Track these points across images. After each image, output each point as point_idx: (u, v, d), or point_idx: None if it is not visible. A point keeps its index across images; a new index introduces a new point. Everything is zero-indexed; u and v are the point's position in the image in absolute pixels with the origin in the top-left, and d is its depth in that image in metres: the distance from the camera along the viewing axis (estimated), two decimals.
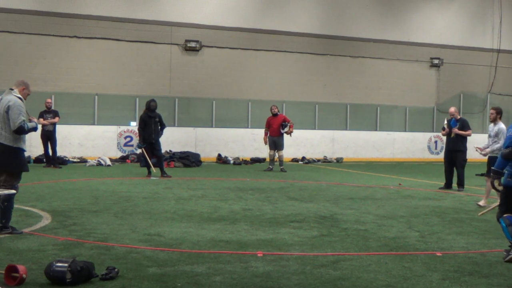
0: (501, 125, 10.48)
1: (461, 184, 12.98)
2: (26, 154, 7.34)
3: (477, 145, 11.68)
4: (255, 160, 20.88)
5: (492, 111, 10.72)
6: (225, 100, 22.15)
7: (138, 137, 15.60)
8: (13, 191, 6.72)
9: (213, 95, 21.96)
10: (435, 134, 24.08)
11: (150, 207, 9.22)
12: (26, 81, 7.28)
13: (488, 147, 10.62)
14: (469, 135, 13.24)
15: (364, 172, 17.55)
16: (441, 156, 23.44)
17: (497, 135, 10.39)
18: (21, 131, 6.95)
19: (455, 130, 12.76)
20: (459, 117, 13.34)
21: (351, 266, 5.73)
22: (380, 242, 6.94)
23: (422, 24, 25.18)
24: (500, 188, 6.41)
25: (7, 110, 6.89)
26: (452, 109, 13.48)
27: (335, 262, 5.88)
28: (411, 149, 24.03)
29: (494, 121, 10.62)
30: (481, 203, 10.27)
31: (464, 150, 13.08)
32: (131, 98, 20.85)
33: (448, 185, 13.11)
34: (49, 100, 17.21)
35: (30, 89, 7.24)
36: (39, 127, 16.58)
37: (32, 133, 16.41)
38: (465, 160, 13.13)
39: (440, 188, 13.07)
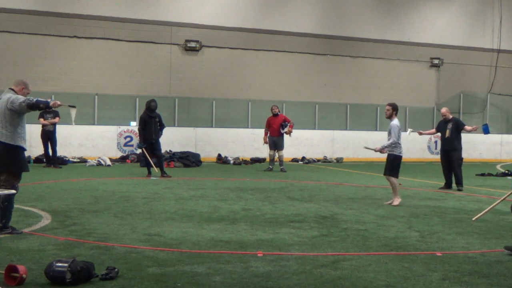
0: (394, 122, 10.12)
1: (459, 183, 12.99)
2: (26, 154, 7.31)
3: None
4: (255, 160, 20.88)
5: (388, 107, 10.24)
6: (225, 100, 22.15)
7: (138, 137, 15.61)
8: (13, 191, 6.72)
9: (213, 95, 21.96)
10: (435, 134, 24.06)
11: (150, 207, 9.22)
12: (25, 81, 7.27)
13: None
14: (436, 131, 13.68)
15: (364, 172, 17.54)
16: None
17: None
18: (31, 105, 6.83)
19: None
20: (451, 117, 13.36)
21: (351, 266, 5.73)
22: (380, 242, 6.94)
23: (422, 24, 25.18)
24: None
25: (10, 106, 6.87)
26: (444, 110, 13.53)
27: (335, 262, 5.88)
28: (411, 149, 23.94)
29: (390, 117, 10.17)
30: (395, 202, 10.04)
31: (459, 149, 13.13)
32: (131, 98, 20.85)
33: (448, 185, 13.12)
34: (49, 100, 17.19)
35: (29, 88, 7.22)
36: (39, 129, 16.75)
37: (32, 133, 16.61)
38: (461, 158, 13.17)
39: (440, 188, 13.07)
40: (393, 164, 10.22)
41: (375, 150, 10.44)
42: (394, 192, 10.22)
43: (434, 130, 13.93)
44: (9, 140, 6.92)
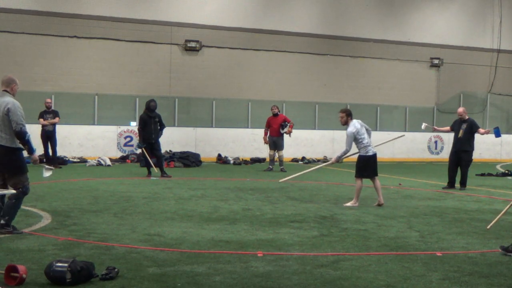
0: (349, 128, 9.95)
1: (463, 183, 13.01)
2: (26, 154, 7.31)
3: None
4: (255, 160, 20.88)
5: (341, 114, 10.07)
6: (225, 100, 22.15)
7: (138, 137, 15.61)
8: (13, 191, 6.75)
9: (213, 95, 21.96)
10: (435, 134, 24.07)
11: (150, 207, 9.22)
12: (13, 76, 7.21)
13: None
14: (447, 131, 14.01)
15: None
16: (441, 156, 23.59)
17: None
18: (22, 135, 6.87)
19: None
20: (467, 117, 13.36)
21: (351, 266, 5.73)
22: (380, 242, 6.94)
23: (422, 24, 25.18)
24: None
25: (7, 112, 6.87)
26: (460, 110, 13.53)
27: (335, 262, 5.88)
28: (411, 149, 24.02)
29: (346, 123, 10.02)
30: (350, 204, 9.91)
31: (471, 151, 13.14)
32: (131, 98, 20.84)
33: (451, 185, 13.12)
34: (49, 100, 17.19)
35: (17, 83, 7.17)
36: (39, 129, 16.73)
37: (32, 133, 16.28)
38: (470, 160, 13.18)
39: (444, 188, 13.06)
40: (357, 165, 10.18)
41: (332, 162, 10.56)
42: (355, 193, 10.02)
43: (448, 128, 13.88)
44: (9, 143, 6.92)
